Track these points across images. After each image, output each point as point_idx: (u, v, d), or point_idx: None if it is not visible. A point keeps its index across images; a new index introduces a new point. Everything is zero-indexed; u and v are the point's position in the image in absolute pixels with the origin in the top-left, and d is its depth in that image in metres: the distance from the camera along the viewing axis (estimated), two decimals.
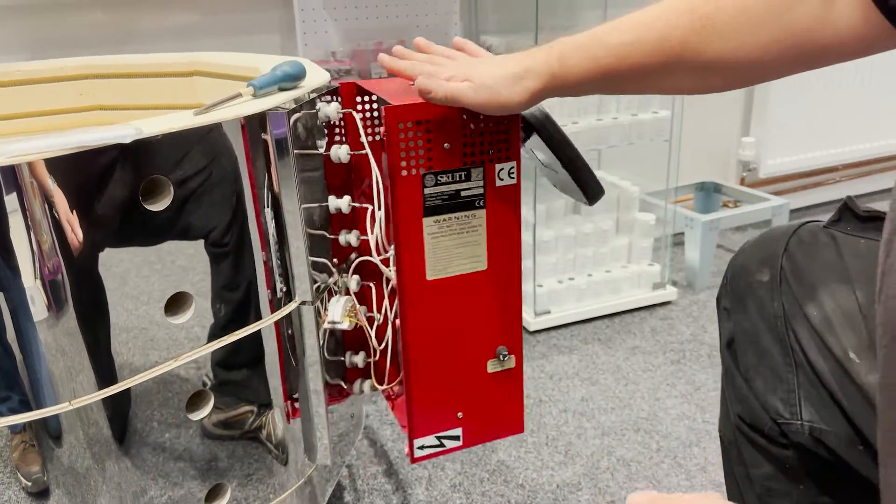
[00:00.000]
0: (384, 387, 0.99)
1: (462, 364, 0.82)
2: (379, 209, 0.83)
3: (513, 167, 0.76)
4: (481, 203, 0.76)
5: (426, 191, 0.74)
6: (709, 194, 2.25)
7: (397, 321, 0.83)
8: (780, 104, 2.24)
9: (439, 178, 0.74)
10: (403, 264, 0.76)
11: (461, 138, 0.73)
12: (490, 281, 0.80)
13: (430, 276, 0.77)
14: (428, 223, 0.75)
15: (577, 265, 1.82)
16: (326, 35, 1.65)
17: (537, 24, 1.58)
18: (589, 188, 0.82)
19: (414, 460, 0.85)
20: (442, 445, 0.85)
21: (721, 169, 2.35)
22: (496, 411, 0.85)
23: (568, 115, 1.68)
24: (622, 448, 1.37)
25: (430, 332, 0.79)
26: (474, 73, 0.68)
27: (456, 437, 0.85)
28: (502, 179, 0.76)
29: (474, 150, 0.74)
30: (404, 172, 0.72)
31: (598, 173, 2.03)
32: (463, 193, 0.75)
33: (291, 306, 0.83)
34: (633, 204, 1.88)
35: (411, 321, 0.78)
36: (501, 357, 0.82)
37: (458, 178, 0.75)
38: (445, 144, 0.73)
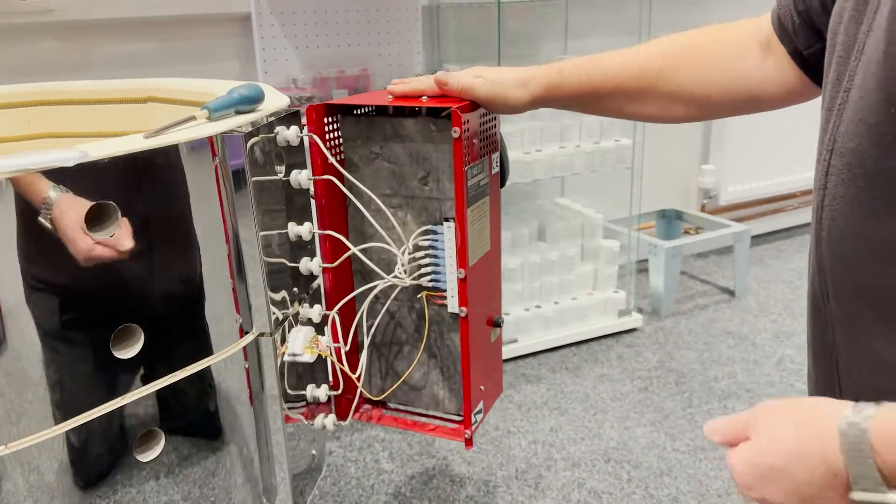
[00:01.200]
0: (347, 421, 0.95)
1: (485, 340, 0.90)
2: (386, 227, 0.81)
3: (497, 156, 0.87)
4: (487, 190, 0.85)
5: (468, 182, 0.81)
6: (670, 221, 2.27)
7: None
8: (738, 133, 2.28)
9: (472, 171, 0.81)
10: (465, 255, 0.84)
11: (479, 134, 0.82)
12: (492, 259, 0.90)
13: (471, 263, 0.85)
14: (469, 213, 0.83)
15: (543, 293, 1.81)
16: (287, 62, 1.62)
17: (499, 53, 1.58)
18: (507, 173, 0.94)
19: (470, 444, 0.89)
20: (475, 421, 0.91)
21: (682, 196, 2.38)
22: (493, 377, 0.94)
23: (531, 143, 1.68)
24: (593, 479, 1.34)
25: (475, 316, 0.86)
26: (486, 72, 0.78)
27: (479, 412, 0.91)
28: (493, 168, 0.86)
29: (483, 143, 0.83)
30: (465, 168, 0.79)
31: (562, 200, 2.04)
32: (482, 183, 0.84)
33: (248, 338, 0.79)
34: (597, 231, 1.88)
35: (471, 310, 0.84)
36: (499, 323, 0.92)
37: (479, 170, 0.83)
38: (475, 140, 0.81)
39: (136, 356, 0.69)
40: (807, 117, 2.42)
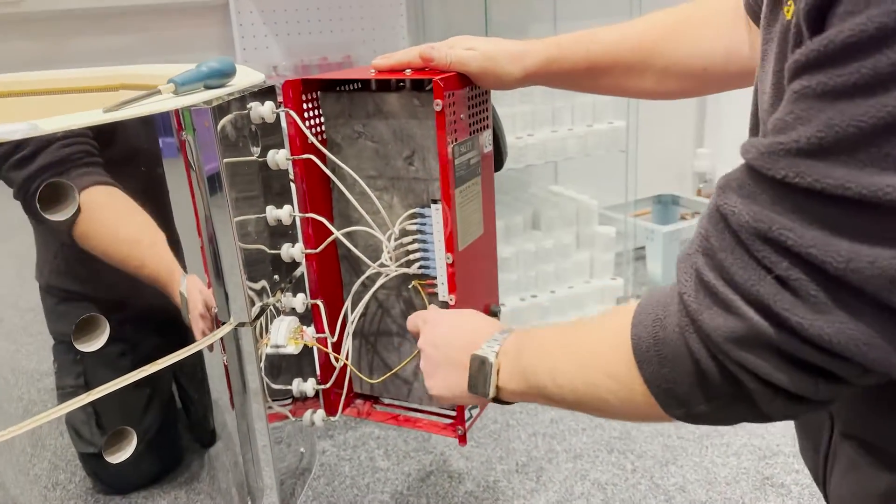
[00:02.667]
0: (337, 416, 0.90)
1: None
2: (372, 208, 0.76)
3: (489, 134, 0.81)
4: (478, 170, 0.80)
5: (456, 161, 0.76)
6: (666, 207, 2.22)
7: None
8: (733, 115, 2.24)
9: (460, 149, 0.76)
10: (453, 239, 0.78)
11: (466, 109, 0.76)
12: (486, 244, 0.85)
13: (460, 248, 0.79)
14: (456, 194, 0.77)
15: (538, 282, 1.76)
16: (267, 50, 1.57)
17: (487, 33, 1.53)
18: (504, 156, 0.90)
19: (464, 441, 0.87)
20: (470, 417, 0.88)
21: (677, 182, 2.33)
22: None
23: (522, 127, 1.63)
24: (596, 471, 1.29)
25: (467, 305, 0.81)
26: (477, 44, 0.74)
27: (475, 407, 0.88)
28: (485, 147, 0.81)
29: (472, 119, 0.78)
30: (449, 146, 0.74)
31: (555, 188, 1.99)
32: (471, 162, 0.78)
33: (225, 329, 0.74)
34: (593, 218, 1.84)
35: (461, 298, 0.80)
36: (496, 312, 0.87)
37: (468, 148, 0.78)
38: (461, 115, 0.76)
39: (102, 349, 0.64)
40: None
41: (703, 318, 0.43)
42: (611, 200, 1.97)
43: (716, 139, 2.25)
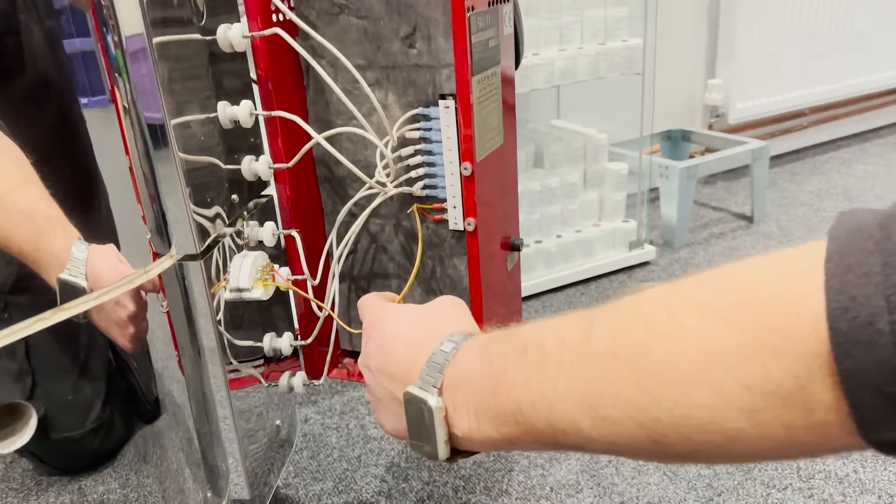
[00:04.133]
0: (321, 380, 0.72)
1: (500, 268, 0.71)
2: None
3: (510, 10, 0.63)
4: (498, 56, 0.63)
5: (474, 39, 0.58)
6: (676, 143, 2.04)
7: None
8: (748, 42, 2.04)
9: (478, 22, 0.59)
10: (471, 143, 0.60)
11: None
12: (505, 157, 0.69)
13: (478, 158, 0.61)
14: (474, 84, 0.59)
15: (543, 226, 1.57)
16: None
17: None
18: (521, 48, 0.76)
19: None
20: None
21: (686, 116, 2.14)
22: (510, 319, 0.73)
23: (526, 46, 1.42)
24: None
25: (487, 234, 0.65)
26: None
27: None
28: (506, 27, 0.64)
29: None
30: (469, 13, 0.56)
31: (558, 122, 1.79)
32: (490, 43, 0.61)
33: (164, 264, 0.54)
34: (602, 153, 1.64)
35: (481, 223, 0.63)
36: (518, 246, 0.72)
37: (487, 23, 0.60)
38: None
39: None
40: (821, 26, 2.20)
41: None
42: (619, 137, 1.78)
43: (729, 69, 2.05)
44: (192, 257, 0.53)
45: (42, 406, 0.75)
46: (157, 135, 0.52)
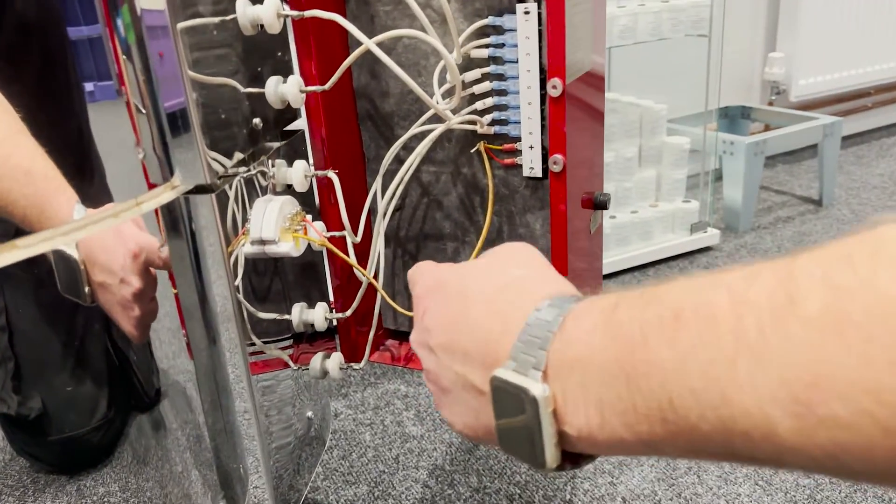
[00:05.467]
0: (362, 363, 0.58)
1: (582, 228, 0.59)
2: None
3: None
4: None
5: None
6: (734, 121, 1.88)
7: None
8: (812, 12, 1.88)
9: None
10: (561, 58, 0.46)
11: None
12: (593, 88, 0.56)
13: (569, 79, 0.47)
14: None
15: None
16: None
17: None
18: None
19: None
20: None
21: (744, 92, 1.98)
22: (593, 272, 0.67)
23: None
24: None
25: (574, 180, 0.52)
26: None
27: None
28: None
29: None
30: None
31: (610, 95, 1.64)
32: None
33: (165, 195, 0.40)
34: (660, 127, 1.49)
35: (571, 164, 0.50)
36: (604, 203, 0.62)
37: None
38: None
39: None
40: None
41: None
42: (676, 111, 1.63)
43: (791, 41, 1.89)
44: (203, 189, 0.40)
45: (42, 406, 0.66)
46: (157, 31, 0.38)
